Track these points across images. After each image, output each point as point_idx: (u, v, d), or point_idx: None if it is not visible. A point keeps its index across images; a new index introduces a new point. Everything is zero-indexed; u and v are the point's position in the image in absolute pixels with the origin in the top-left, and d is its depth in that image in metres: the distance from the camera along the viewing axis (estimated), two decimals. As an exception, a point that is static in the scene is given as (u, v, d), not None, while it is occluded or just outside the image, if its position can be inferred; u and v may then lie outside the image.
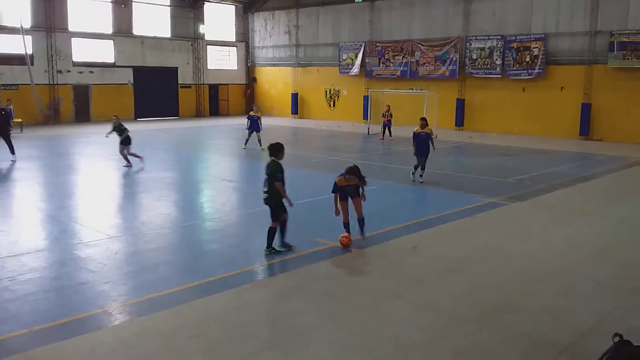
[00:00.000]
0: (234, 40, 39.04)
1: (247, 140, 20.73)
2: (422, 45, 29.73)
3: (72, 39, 30.98)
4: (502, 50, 26.92)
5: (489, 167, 17.25)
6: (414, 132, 13.98)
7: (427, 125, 13.96)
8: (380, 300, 6.78)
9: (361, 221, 8.90)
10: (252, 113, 20.83)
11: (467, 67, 28.22)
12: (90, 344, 5.63)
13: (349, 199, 8.78)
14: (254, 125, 20.47)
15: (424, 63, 29.78)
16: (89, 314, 6.34)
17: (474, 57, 27.94)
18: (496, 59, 27.18)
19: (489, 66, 27.53)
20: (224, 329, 5.99)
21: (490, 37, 27.29)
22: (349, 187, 8.68)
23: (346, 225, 8.88)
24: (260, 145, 20.03)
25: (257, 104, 39.37)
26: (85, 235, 9.53)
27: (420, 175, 14.10)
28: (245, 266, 8.06)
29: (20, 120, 25.85)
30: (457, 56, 28.40)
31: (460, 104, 28.91)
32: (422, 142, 13.81)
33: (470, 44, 27.98)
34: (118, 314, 6.42)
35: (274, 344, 5.64)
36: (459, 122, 28.97)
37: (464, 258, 8.38)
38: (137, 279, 7.52)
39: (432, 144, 13.94)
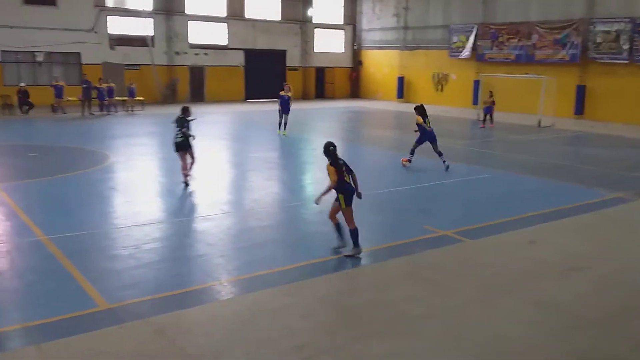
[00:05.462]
0: (341, 23, 39.01)
1: (279, 124, 18.97)
2: (541, 28, 28.00)
3: (189, 21, 32.43)
4: (630, 34, 24.72)
5: (613, 160, 15.97)
6: (418, 124, 14.03)
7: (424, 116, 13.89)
8: (494, 295, 6.49)
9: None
10: (282, 92, 18.67)
11: (590, 52, 26.24)
12: (209, 314, 5.89)
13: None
14: (284, 106, 18.49)
15: (542, 47, 28.07)
16: (207, 285, 6.64)
17: (599, 40, 25.90)
18: (623, 44, 25.01)
19: (615, 51, 25.41)
20: (334, 311, 6.02)
21: (617, 19, 25.12)
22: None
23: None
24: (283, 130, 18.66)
25: (362, 87, 39.40)
26: (202, 209, 9.99)
27: (444, 162, 13.76)
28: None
29: (142, 98, 27.58)
30: (579, 40, 26.48)
31: (581, 91, 26.99)
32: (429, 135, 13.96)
33: (595, 27, 25.96)
34: (232, 287, 6.66)
35: (384, 330, 5.56)
36: (579, 110, 27.08)
37: (586, 256, 7.82)
38: (249, 255, 7.75)
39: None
